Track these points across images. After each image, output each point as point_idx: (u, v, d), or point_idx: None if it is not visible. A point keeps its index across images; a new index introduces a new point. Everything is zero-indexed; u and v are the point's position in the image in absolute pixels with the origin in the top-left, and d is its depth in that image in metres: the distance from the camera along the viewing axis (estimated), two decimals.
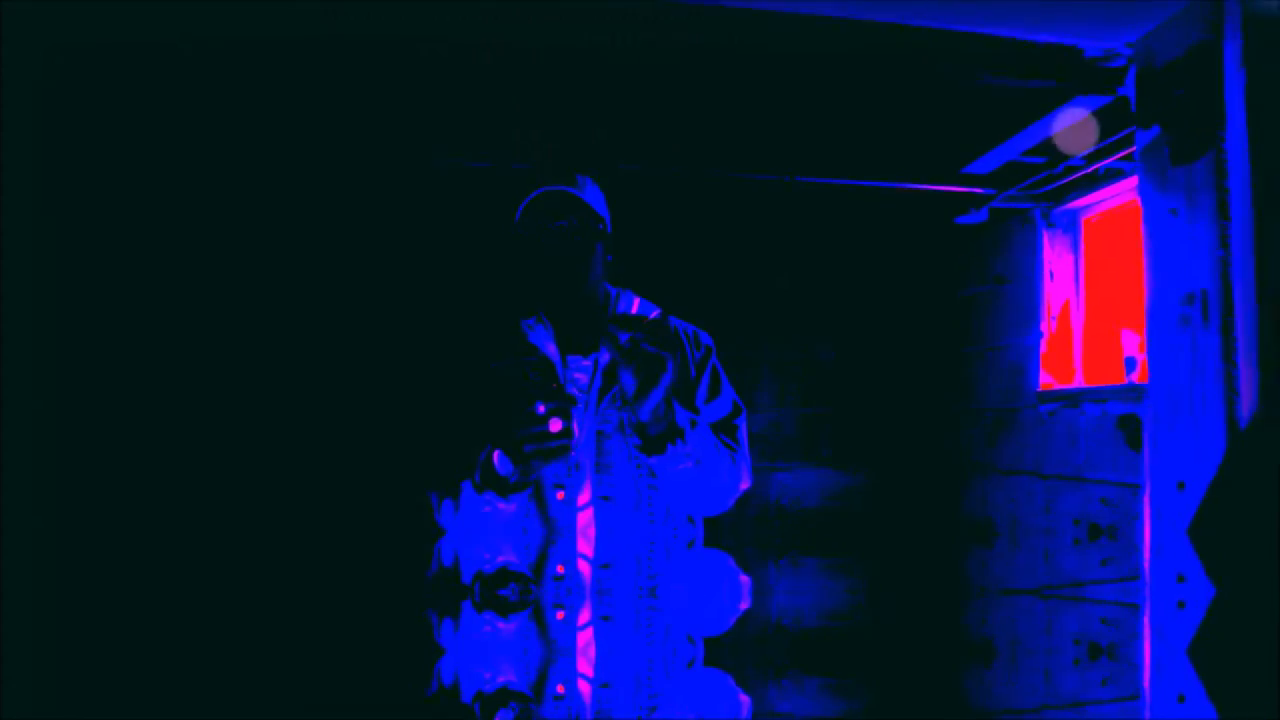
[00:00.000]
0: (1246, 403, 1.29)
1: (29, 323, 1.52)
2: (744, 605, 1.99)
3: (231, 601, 2.71)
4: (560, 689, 1.84)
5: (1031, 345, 3.22)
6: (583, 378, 1.87)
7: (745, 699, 1.99)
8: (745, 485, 1.95)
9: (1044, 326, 3.16)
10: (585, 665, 1.85)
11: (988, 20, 1.52)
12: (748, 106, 2.57)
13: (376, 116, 2.45)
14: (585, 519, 1.86)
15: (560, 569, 1.84)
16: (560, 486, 1.85)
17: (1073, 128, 2.31)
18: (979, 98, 2.47)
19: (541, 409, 1.63)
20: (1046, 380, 3.14)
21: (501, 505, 1.75)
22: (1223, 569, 1.33)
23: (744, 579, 2.00)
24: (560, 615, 1.82)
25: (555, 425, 1.63)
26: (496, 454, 1.69)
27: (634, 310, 1.96)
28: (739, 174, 2.91)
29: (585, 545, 1.85)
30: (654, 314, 1.96)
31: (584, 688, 1.84)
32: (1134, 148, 1.50)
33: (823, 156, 2.91)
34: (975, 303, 3.42)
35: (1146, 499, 1.46)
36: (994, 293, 3.35)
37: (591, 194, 1.92)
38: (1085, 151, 2.43)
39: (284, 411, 2.79)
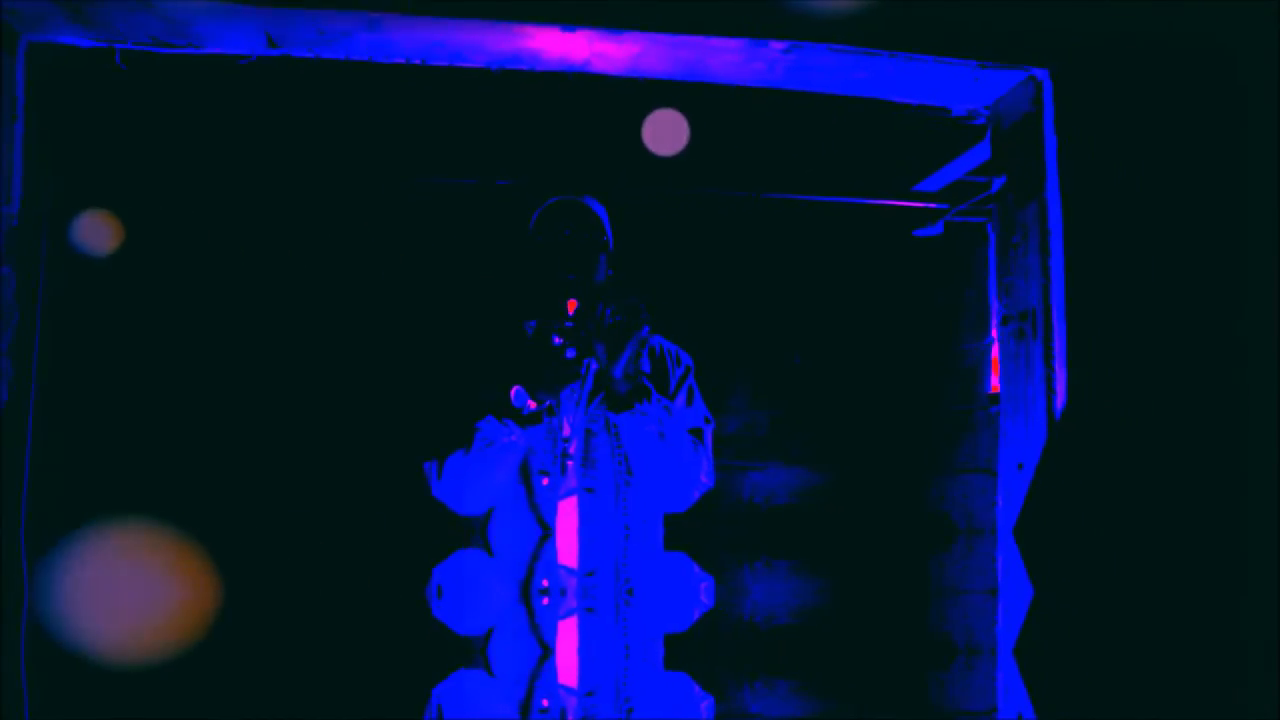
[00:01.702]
0: (1060, 399, 1.62)
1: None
2: (706, 603, 2.11)
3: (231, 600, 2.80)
4: (545, 703, 1.95)
5: (984, 350, 3.42)
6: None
7: (708, 700, 2.11)
8: (707, 482, 2.09)
9: (995, 333, 3.37)
10: (568, 676, 1.96)
11: (881, 89, 1.86)
12: (720, 137, 2.90)
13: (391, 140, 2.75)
14: (567, 508, 1.99)
15: (545, 582, 1.98)
16: (545, 473, 1.99)
17: None
18: (927, 128, 2.79)
19: (558, 340, 1.92)
20: (997, 383, 3.35)
21: (515, 437, 1.93)
22: (1042, 552, 1.64)
23: (704, 580, 2.12)
24: (545, 601, 1.97)
25: (569, 354, 1.91)
26: (515, 389, 1.90)
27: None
28: (710, 191, 3.17)
29: (569, 556, 1.98)
30: (642, 334, 2.06)
31: (568, 699, 1.96)
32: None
33: (791, 177, 3.18)
34: (933, 311, 3.57)
35: (1000, 480, 1.79)
36: (950, 302, 3.54)
37: (597, 208, 2.09)
38: None
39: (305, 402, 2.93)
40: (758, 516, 3.50)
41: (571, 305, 1.94)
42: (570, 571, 1.98)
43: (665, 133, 2.59)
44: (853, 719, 3.38)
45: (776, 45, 1.59)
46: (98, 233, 2.33)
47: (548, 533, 2.00)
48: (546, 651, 1.96)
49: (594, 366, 2.00)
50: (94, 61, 1.66)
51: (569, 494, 2.00)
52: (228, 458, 2.85)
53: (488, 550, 2.04)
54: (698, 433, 2.10)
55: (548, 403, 1.95)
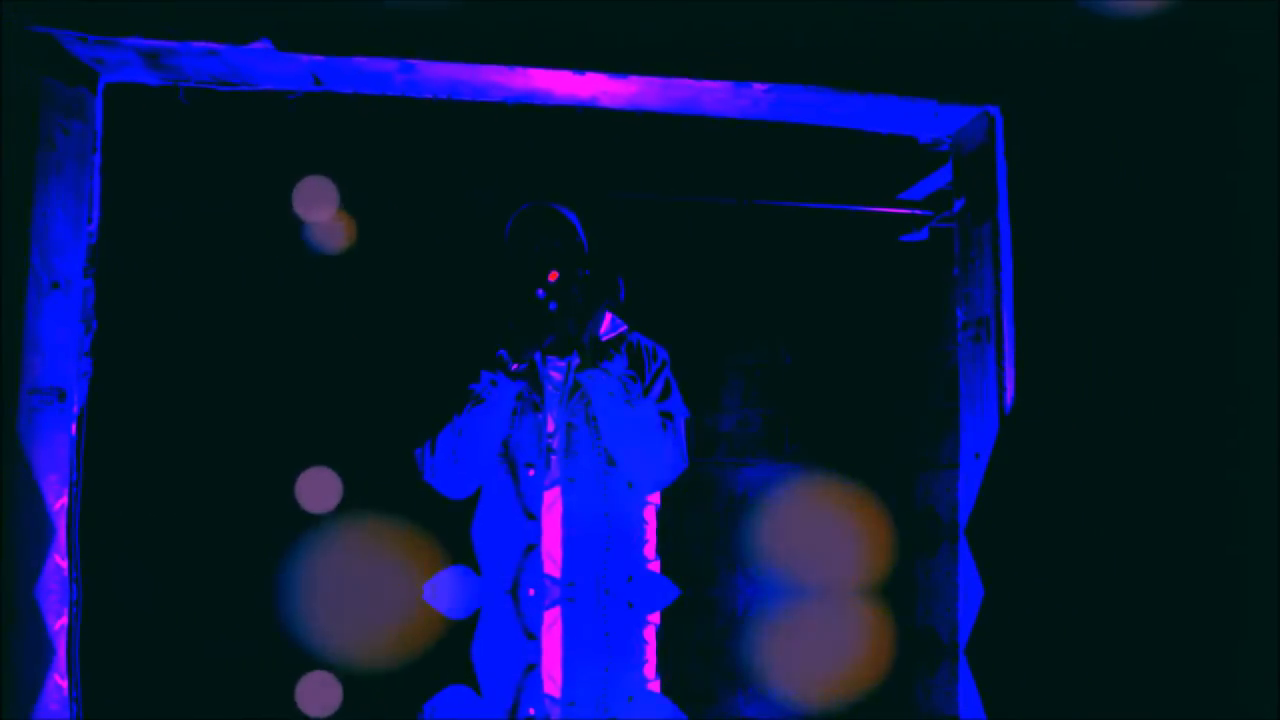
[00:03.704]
0: (1010, 395, 1.85)
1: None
2: (675, 591, 2.23)
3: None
4: (531, 711, 2.04)
5: None
6: (558, 376, 2.18)
7: (683, 717, 2.22)
8: (679, 463, 2.21)
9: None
10: (552, 687, 2.06)
11: (855, 121, 2.09)
12: (716, 153, 3.12)
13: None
14: (551, 498, 2.10)
15: (531, 591, 2.08)
16: (531, 465, 2.11)
17: None
18: (909, 145, 3.01)
19: (542, 294, 2.05)
20: None
21: (505, 390, 2.09)
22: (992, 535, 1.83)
23: (670, 584, 2.22)
24: (531, 593, 2.08)
25: (553, 306, 2.05)
26: (502, 351, 2.09)
27: (604, 325, 2.24)
28: (703, 199, 3.33)
29: (553, 543, 2.10)
30: (621, 329, 2.26)
31: (552, 708, 2.06)
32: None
33: (783, 186, 3.34)
34: (918, 312, 3.71)
35: (961, 470, 2.01)
36: (934, 303, 3.64)
37: (568, 214, 2.20)
38: None
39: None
40: (750, 511, 3.60)
41: (553, 275, 2.09)
42: (554, 581, 2.08)
43: (314, 199, 2.73)
44: None
45: (758, 86, 1.82)
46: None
47: (533, 519, 2.09)
48: (531, 637, 2.06)
49: (574, 362, 2.12)
50: (159, 96, 1.89)
51: (553, 484, 2.11)
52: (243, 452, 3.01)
53: (475, 568, 2.15)
54: (668, 415, 2.19)
55: (531, 356, 2.07)
